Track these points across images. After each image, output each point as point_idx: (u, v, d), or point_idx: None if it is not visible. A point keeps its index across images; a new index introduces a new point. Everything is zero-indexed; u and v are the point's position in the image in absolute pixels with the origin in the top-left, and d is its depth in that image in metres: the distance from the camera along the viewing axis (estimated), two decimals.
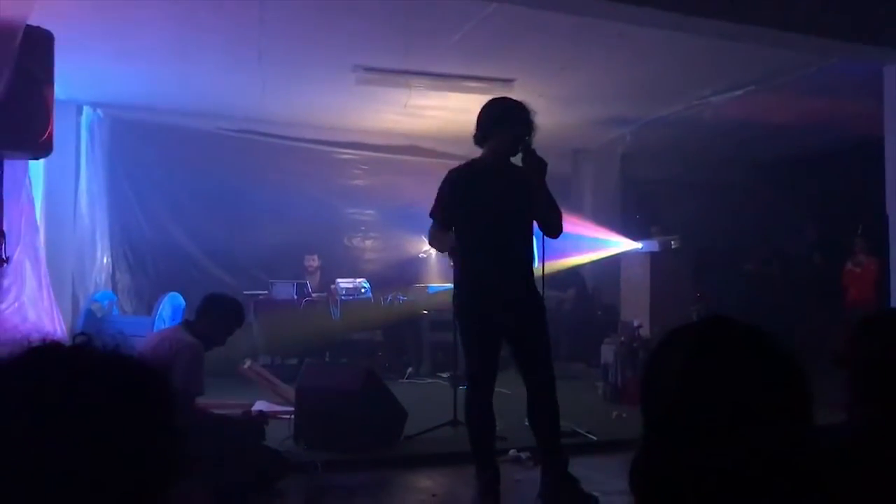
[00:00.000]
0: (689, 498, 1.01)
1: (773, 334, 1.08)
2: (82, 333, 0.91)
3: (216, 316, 4.25)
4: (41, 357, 0.86)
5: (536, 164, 3.85)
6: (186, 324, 4.33)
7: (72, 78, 6.50)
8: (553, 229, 3.97)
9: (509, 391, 4.13)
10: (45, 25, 4.15)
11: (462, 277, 3.93)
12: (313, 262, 8.87)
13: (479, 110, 4.03)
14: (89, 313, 7.21)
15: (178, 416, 0.91)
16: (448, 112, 8.15)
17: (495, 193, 3.90)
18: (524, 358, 3.96)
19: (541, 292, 4.00)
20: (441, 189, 4.01)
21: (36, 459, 0.78)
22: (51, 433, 0.79)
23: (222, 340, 4.30)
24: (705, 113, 7.98)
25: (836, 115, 7.80)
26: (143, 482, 0.84)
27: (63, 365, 0.85)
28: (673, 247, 8.17)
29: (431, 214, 4.02)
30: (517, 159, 3.96)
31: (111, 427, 0.83)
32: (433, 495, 4.14)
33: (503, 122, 3.90)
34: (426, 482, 4.55)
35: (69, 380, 0.84)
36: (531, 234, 4.01)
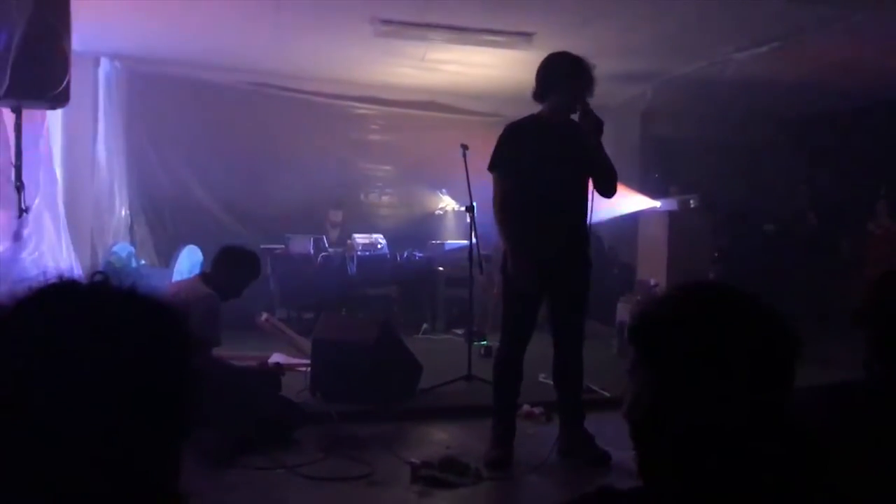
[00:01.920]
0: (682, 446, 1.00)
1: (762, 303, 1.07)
2: (100, 272, 0.91)
3: (232, 268, 4.28)
4: (59, 293, 0.86)
5: (594, 124, 3.84)
6: (203, 276, 4.37)
7: (89, 29, 6.44)
8: (608, 189, 4.01)
9: None
10: None
11: (515, 231, 3.92)
12: (337, 216, 8.88)
13: (537, 62, 3.98)
14: (108, 265, 7.28)
15: (196, 359, 0.92)
16: (467, 67, 8.05)
17: (552, 150, 3.90)
18: (562, 313, 4.00)
19: (590, 250, 4.07)
20: (499, 142, 4.01)
21: (51, 395, 0.79)
22: (68, 369, 0.79)
23: (238, 292, 4.33)
24: (728, 70, 7.82)
25: (861, 73, 7.64)
26: (161, 424, 0.85)
27: (81, 301, 0.85)
28: (692, 206, 8.10)
29: (492, 167, 4.00)
30: (576, 116, 3.94)
31: (129, 364, 0.83)
32: (447, 447, 4.19)
33: (562, 79, 3.86)
34: (440, 434, 4.60)
35: (87, 315, 0.84)
36: (586, 192, 4.01)
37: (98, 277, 0.89)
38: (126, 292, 0.88)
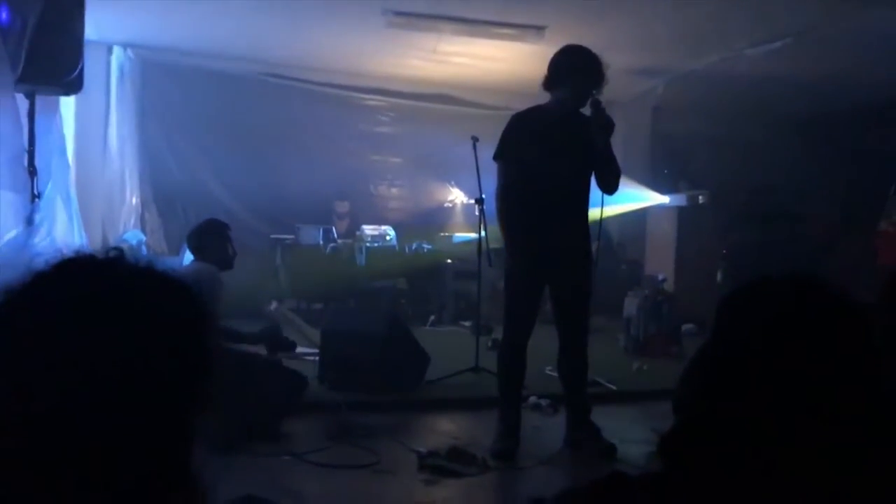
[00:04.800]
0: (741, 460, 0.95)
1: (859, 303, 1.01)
2: (116, 248, 0.91)
3: (205, 242, 4.33)
4: (76, 266, 0.86)
5: (605, 124, 3.83)
6: (196, 261, 4.40)
7: (102, 17, 6.47)
8: (609, 186, 4.01)
9: (530, 341, 4.22)
10: None
11: (516, 220, 3.93)
12: (343, 207, 8.91)
13: (549, 56, 3.97)
14: None
15: (213, 337, 0.92)
16: (477, 60, 8.04)
17: (557, 142, 3.90)
18: (563, 305, 4.02)
19: (595, 243, 4.08)
20: (504, 132, 4.01)
21: (67, 367, 0.79)
22: (84, 341, 0.80)
23: (228, 260, 4.36)
24: (740, 66, 7.78)
25: (875, 72, 7.58)
26: (177, 400, 0.85)
27: (98, 274, 0.85)
28: (700, 202, 8.09)
29: (496, 156, 4.01)
30: (584, 111, 3.93)
31: (149, 336, 0.83)
32: (454, 438, 4.20)
33: (575, 72, 3.86)
34: (448, 425, 4.62)
35: (104, 289, 0.84)
36: (588, 186, 4.01)
37: (114, 252, 0.89)
38: (142, 268, 0.88)
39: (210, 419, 0.90)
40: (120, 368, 0.80)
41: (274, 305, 6.36)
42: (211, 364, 0.88)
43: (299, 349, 5.80)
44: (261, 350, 4.39)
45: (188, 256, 7.25)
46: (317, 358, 5.16)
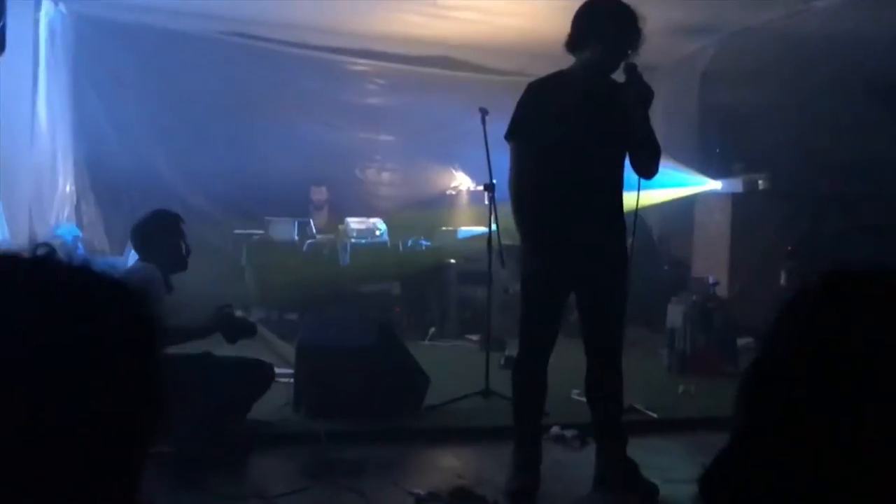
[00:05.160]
0: None
1: None
2: (45, 245, 0.91)
3: (152, 238, 4.35)
4: None
5: (641, 92, 3.84)
6: (141, 261, 4.42)
7: None
8: (647, 169, 4.01)
9: (552, 358, 4.21)
10: None
11: (534, 213, 3.94)
12: (320, 195, 8.92)
13: (574, 9, 3.97)
14: None
15: (163, 350, 0.92)
16: (488, 14, 8.04)
17: (584, 115, 3.89)
18: (593, 315, 4.02)
19: (630, 239, 4.08)
20: (519, 105, 4.01)
21: None
22: (6, 350, 0.80)
23: (180, 259, 4.38)
24: (810, 22, 7.78)
25: None
26: (114, 430, 0.85)
27: (22, 277, 0.86)
28: (761, 188, 8.08)
29: (509, 135, 4.01)
30: (616, 77, 3.94)
31: (79, 356, 0.83)
32: (458, 476, 4.20)
33: (606, 29, 3.85)
34: (451, 460, 4.62)
35: (29, 294, 0.84)
36: (622, 170, 4.01)
37: (43, 250, 0.90)
38: (78, 268, 0.89)
39: (160, 448, 0.90)
40: (46, 392, 0.80)
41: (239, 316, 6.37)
42: (159, 386, 0.89)
43: None
44: (219, 341, 4.40)
45: (133, 255, 7.30)
46: (291, 379, 5.16)
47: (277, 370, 5.76)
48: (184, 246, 4.43)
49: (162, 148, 8.65)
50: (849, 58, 8.83)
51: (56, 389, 0.81)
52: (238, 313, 6.23)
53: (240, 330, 4.43)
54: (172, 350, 3.80)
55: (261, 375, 4.51)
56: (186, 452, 3.72)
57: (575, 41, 3.96)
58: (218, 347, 4.48)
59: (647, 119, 3.93)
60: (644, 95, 3.87)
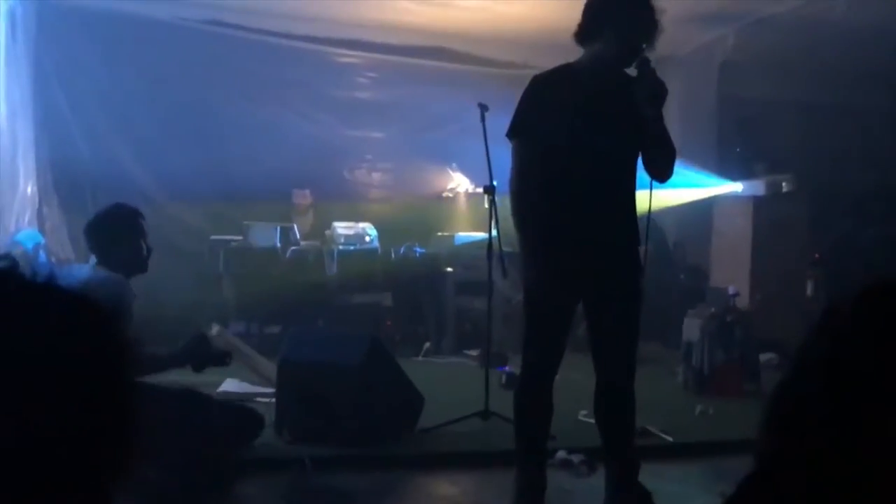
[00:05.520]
0: None
1: None
2: (3, 256, 0.91)
3: (105, 237, 4.31)
4: None
5: (654, 88, 3.84)
6: (99, 264, 4.37)
7: None
8: (661, 171, 4.03)
9: (558, 375, 4.22)
10: None
11: (538, 217, 3.94)
12: (304, 198, 8.92)
13: None
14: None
15: (133, 372, 0.92)
16: (488, 1, 8.05)
17: (594, 113, 3.89)
18: (602, 328, 4.03)
19: (643, 248, 4.08)
20: (522, 100, 4.01)
21: None
22: None
23: (139, 261, 4.34)
24: (836, 9, 7.81)
25: None
26: (78, 461, 0.85)
27: None
28: (784, 190, 8.10)
29: (511, 132, 4.01)
30: (629, 71, 3.94)
31: (40, 380, 0.83)
32: None
33: (619, 19, 3.86)
34: (447, 488, 4.62)
35: None
36: (634, 171, 4.02)
37: (3, 263, 0.90)
38: (40, 284, 0.89)
39: (128, 483, 0.90)
40: (3, 420, 0.80)
41: (215, 330, 6.34)
42: (127, 413, 0.89)
43: (250, 388, 5.84)
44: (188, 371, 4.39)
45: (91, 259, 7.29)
46: (272, 399, 5.15)
47: (258, 389, 5.79)
48: (144, 245, 4.40)
49: (132, 145, 8.64)
50: (883, 49, 8.87)
51: (15, 416, 0.81)
52: (215, 329, 6.25)
53: (210, 359, 4.39)
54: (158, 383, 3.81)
55: (251, 422, 4.47)
56: (168, 483, 3.70)
57: (585, 32, 3.96)
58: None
59: (660, 118, 3.93)
60: (657, 93, 3.87)
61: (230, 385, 5.92)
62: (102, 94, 8.55)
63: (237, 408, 4.57)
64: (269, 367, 5.76)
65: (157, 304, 4.66)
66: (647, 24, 3.87)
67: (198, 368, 4.36)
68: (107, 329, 0.90)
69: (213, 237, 8.44)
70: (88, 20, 8.40)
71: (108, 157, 8.56)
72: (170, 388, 4.13)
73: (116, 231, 4.36)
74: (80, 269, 6.93)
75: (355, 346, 5.15)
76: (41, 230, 8.25)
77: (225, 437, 4.23)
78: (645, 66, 3.86)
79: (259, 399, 5.42)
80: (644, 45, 3.88)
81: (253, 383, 5.97)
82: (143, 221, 4.45)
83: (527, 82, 4.10)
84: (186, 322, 7.11)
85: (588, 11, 3.96)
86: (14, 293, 0.87)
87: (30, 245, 7.62)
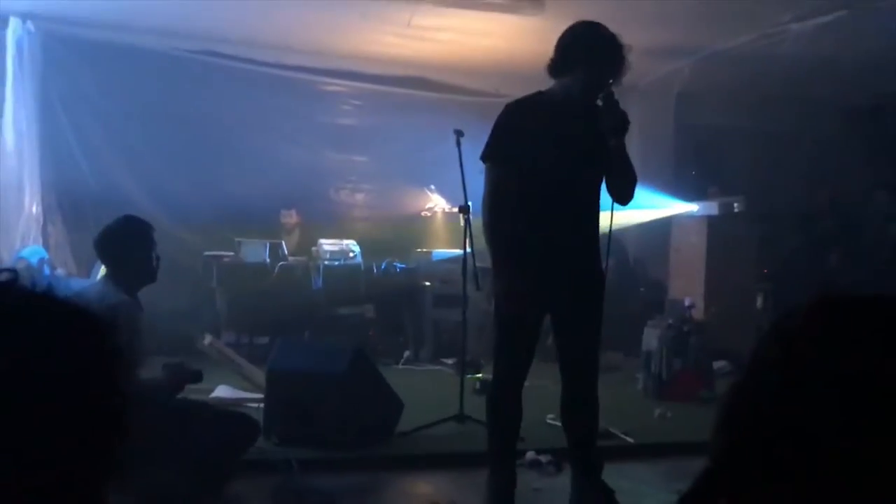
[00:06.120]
0: None
1: None
2: (8, 269, 0.91)
3: (119, 248, 4.22)
4: None
5: (617, 120, 3.85)
6: (107, 278, 4.31)
7: None
8: (624, 196, 4.04)
9: (527, 382, 4.22)
10: None
11: (508, 235, 3.95)
12: (291, 217, 8.90)
13: (563, 31, 3.99)
14: None
15: (128, 381, 0.91)
16: (463, 35, 8.08)
17: (564, 139, 3.90)
18: (568, 338, 4.03)
19: (604, 263, 4.09)
20: (496, 126, 4.01)
21: None
22: None
23: (150, 272, 4.27)
24: (783, 44, 7.88)
25: None
26: (76, 465, 0.84)
27: None
28: (736, 210, 8.15)
29: (485, 156, 4.01)
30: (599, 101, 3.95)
31: (40, 387, 0.83)
32: (433, 502, 4.18)
33: (591, 56, 3.87)
34: (425, 487, 4.62)
35: None
36: (598, 192, 4.04)
37: (5, 276, 0.89)
38: (41, 294, 0.88)
39: (131, 487, 0.89)
40: (4, 425, 0.79)
41: (208, 340, 6.31)
42: (123, 419, 0.88)
43: (241, 394, 5.80)
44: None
45: (98, 269, 7.22)
46: (261, 405, 5.13)
47: (248, 395, 5.76)
48: (155, 256, 4.34)
49: (130, 168, 8.59)
50: (826, 80, 8.96)
51: (16, 421, 0.80)
52: (207, 339, 6.20)
53: (184, 379, 4.32)
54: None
55: (247, 429, 4.42)
56: (171, 488, 3.66)
57: (558, 66, 3.97)
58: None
59: (623, 147, 3.96)
60: (621, 124, 3.89)
61: (223, 391, 5.89)
62: (103, 120, 8.51)
63: (236, 415, 4.51)
64: (259, 375, 5.74)
65: (156, 316, 4.61)
66: (614, 62, 3.89)
67: (173, 389, 4.31)
68: (102, 337, 0.89)
69: (206, 253, 8.39)
70: (90, 51, 8.36)
71: (109, 178, 8.50)
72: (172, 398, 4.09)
73: (129, 242, 4.27)
74: (86, 282, 6.90)
75: (340, 355, 5.14)
76: (46, 246, 8.18)
77: (225, 444, 4.18)
78: (610, 98, 3.88)
79: (249, 404, 5.38)
80: (610, 81, 3.91)
81: (244, 390, 5.94)
82: (153, 233, 4.38)
83: (498, 110, 4.11)
84: (183, 332, 7.09)
85: (561, 48, 3.96)
86: (14, 302, 0.87)
87: (34, 260, 7.56)
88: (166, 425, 3.80)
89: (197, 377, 4.33)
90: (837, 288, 1.05)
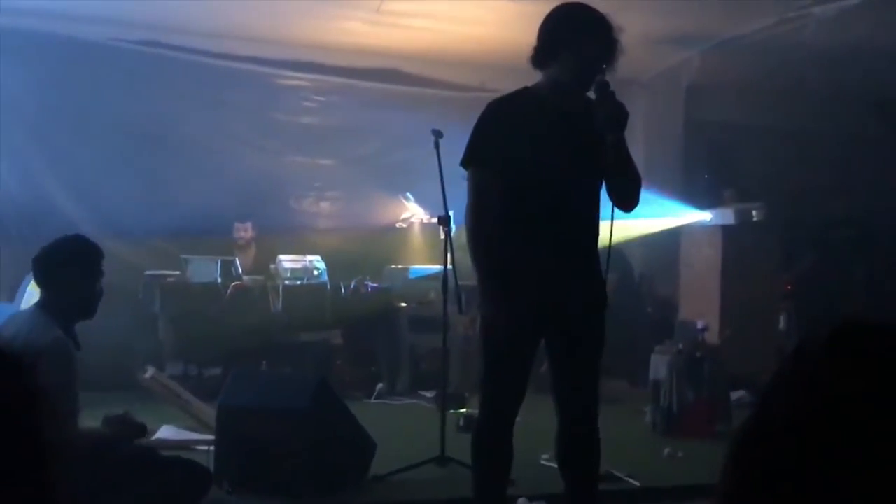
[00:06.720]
0: None
1: None
2: None
3: (61, 273, 4.18)
4: None
5: (614, 113, 3.86)
6: (41, 305, 4.27)
7: None
8: (627, 200, 4.04)
9: (519, 417, 4.21)
10: None
11: (495, 250, 3.95)
12: (245, 231, 8.86)
13: (543, 17, 4.00)
14: None
15: (52, 429, 0.91)
16: (441, 21, 8.11)
17: (554, 139, 3.91)
18: (565, 370, 4.02)
19: (607, 279, 4.11)
20: (478, 126, 4.01)
21: None
22: None
23: (90, 304, 4.24)
24: (805, 31, 7.96)
25: None
26: None
27: None
28: (755, 219, 8.19)
29: (467, 160, 4.01)
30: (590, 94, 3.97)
31: None
32: None
33: (576, 40, 3.89)
34: None
35: None
36: (597, 200, 4.03)
37: None
38: None
39: None
40: None
41: (150, 373, 6.26)
42: (47, 473, 0.87)
43: (187, 435, 5.76)
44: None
45: (30, 301, 7.17)
46: (211, 447, 5.09)
47: (195, 436, 5.71)
48: (99, 289, 4.30)
49: (58, 173, 8.57)
50: (853, 71, 9.04)
51: None
52: (149, 372, 6.16)
53: (127, 431, 4.31)
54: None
55: (199, 478, 4.40)
56: None
57: (541, 55, 3.98)
58: None
59: (622, 142, 3.96)
60: (617, 115, 3.89)
61: (166, 432, 5.83)
62: (29, 120, 8.48)
63: (182, 462, 4.48)
64: (209, 412, 5.70)
65: (89, 346, 4.57)
66: (604, 44, 3.90)
67: (116, 440, 4.29)
68: (18, 379, 0.89)
69: (147, 272, 8.36)
70: (13, 42, 8.32)
71: (34, 186, 8.48)
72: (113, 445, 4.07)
73: (75, 269, 4.23)
74: (11, 308, 6.84)
75: (301, 388, 5.13)
76: None
77: (171, 498, 4.16)
78: (604, 87, 3.89)
79: (197, 447, 5.33)
80: (603, 66, 3.92)
81: (191, 430, 5.89)
82: (102, 261, 4.34)
83: (483, 106, 4.12)
84: (120, 365, 7.05)
85: (543, 34, 3.98)
86: None
87: None
88: (105, 479, 3.78)
89: (141, 431, 4.33)
90: (862, 307, 1.06)
